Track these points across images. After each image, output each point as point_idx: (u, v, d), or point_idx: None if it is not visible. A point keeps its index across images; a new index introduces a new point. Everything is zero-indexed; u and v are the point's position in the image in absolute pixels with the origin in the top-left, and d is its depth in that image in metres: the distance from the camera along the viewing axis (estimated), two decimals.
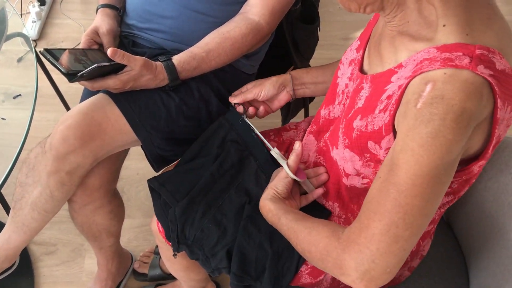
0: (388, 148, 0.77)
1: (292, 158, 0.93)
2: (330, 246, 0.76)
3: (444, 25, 0.70)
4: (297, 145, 0.94)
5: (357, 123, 0.82)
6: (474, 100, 0.65)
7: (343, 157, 0.89)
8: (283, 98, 1.13)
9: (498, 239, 0.94)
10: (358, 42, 0.93)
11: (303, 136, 1.11)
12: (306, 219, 0.85)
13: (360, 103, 0.83)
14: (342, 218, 0.97)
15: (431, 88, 0.66)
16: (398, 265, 0.71)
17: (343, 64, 0.95)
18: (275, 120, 1.62)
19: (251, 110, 1.12)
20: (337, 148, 0.91)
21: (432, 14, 0.71)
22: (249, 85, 1.13)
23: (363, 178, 0.87)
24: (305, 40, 1.39)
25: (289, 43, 1.36)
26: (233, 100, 1.12)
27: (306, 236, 0.81)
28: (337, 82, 0.96)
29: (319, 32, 1.44)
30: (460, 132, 0.66)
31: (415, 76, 0.69)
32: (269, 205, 0.90)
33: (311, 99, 1.56)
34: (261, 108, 1.14)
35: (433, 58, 0.68)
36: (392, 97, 0.74)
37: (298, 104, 1.54)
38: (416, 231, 0.70)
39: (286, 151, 1.12)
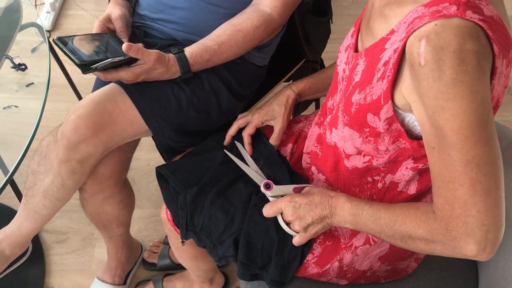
0: (387, 118, 0.77)
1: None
2: (433, 231, 0.73)
3: None
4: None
5: (355, 97, 0.81)
6: (472, 40, 0.64)
7: (343, 137, 0.89)
8: None
9: (508, 235, 0.94)
10: (353, 29, 0.94)
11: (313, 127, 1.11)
12: (390, 210, 0.79)
13: (357, 78, 0.83)
14: None
15: (426, 42, 0.65)
16: (503, 213, 0.69)
17: (340, 52, 0.96)
18: None
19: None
20: (336, 129, 0.91)
21: None
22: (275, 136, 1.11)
23: (364, 156, 0.87)
24: (316, 33, 1.38)
25: (300, 35, 1.35)
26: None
27: (401, 225, 0.77)
28: (337, 71, 0.97)
29: (331, 26, 1.44)
30: (474, 71, 0.64)
31: (408, 37, 0.68)
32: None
33: None
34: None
35: (422, 15, 0.68)
36: (389, 62, 0.73)
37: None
38: (498, 175, 0.68)
39: (295, 143, 1.12)
